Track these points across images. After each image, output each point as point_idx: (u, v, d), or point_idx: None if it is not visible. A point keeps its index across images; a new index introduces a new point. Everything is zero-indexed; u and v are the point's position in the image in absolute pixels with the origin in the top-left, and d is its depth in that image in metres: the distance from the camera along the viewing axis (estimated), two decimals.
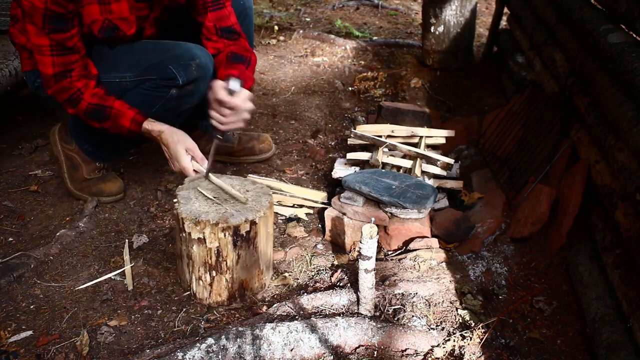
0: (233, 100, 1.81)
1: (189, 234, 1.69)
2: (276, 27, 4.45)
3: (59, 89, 1.91)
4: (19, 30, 2.02)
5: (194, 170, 1.90)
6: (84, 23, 1.87)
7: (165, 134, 1.93)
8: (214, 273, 1.74)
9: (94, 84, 1.94)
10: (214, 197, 1.77)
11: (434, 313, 1.74)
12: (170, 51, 1.98)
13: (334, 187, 2.36)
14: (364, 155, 2.36)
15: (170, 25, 2.15)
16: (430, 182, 2.23)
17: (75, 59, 1.88)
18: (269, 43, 4.17)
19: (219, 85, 1.82)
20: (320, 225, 2.22)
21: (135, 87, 1.99)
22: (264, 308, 1.78)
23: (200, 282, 1.77)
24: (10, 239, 2.08)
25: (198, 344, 1.55)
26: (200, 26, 2.07)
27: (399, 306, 1.76)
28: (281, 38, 4.27)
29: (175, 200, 1.76)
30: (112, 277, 1.90)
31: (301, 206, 2.31)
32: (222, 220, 1.66)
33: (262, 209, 1.73)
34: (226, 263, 1.72)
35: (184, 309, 1.79)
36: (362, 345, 1.64)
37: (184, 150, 1.90)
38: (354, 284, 1.80)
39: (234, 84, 1.80)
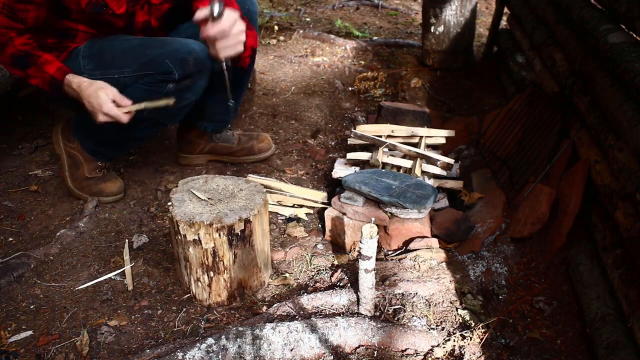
0: (217, 25, 1.80)
1: (184, 236, 1.69)
2: (276, 27, 4.45)
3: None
4: None
5: (125, 113, 1.88)
6: None
7: (84, 84, 1.89)
8: (211, 274, 1.74)
9: (29, 36, 1.91)
10: (208, 198, 1.78)
11: (434, 313, 1.74)
12: (168, 46, 1.98)
13: (334, 187, 2.36)
14: (364, 155, 2.36)
15: (172, 20, 2.16)
16: (430, 182, 2.23)
17: (18, 28, 1.86)
18: (269, 43, 4.17)
19: (201, 16, 1.81)
20: (320, 225, 2.22)
21: (133, 82, 1.99)
22: (264, 308, 1.78)
23: (199, 283, 1.77)
24: (10, 238, 2.08)
25: (198, 344, 1.55)
26: None
27: (399, 306, 1.76)
28: (281, 38, 4.27)
29: (169, 203, 1.76)
30: (112, 277, 1.90)
31: (301, 206, 2.31)
32: (216, 221, 1.66)
33: (256, 207, 1.73)
34: (223, 263, 1.73)
35: (184, 309, 1.79)
36: (362, 345, 1.64)
37: (105, 96, 1.86)
38: (354, 284, 1.80)
39: (216, 6, 1.77)
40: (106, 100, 1.87)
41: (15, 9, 1.83)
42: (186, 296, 1.83)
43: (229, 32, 1.85)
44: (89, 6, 1.90)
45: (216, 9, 1.77)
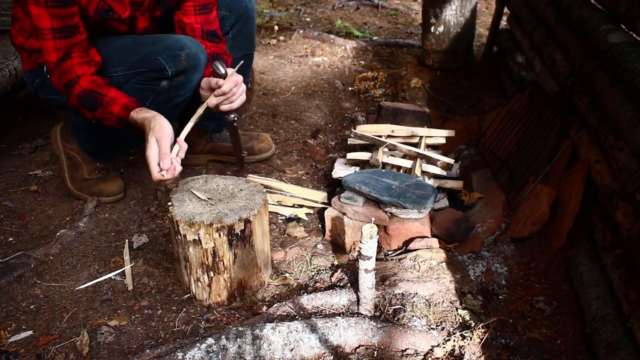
0: (231, 79, 1.87)
1: (184, 236, 1.69)
2: (276, 27, 4.45)
3: (60, 72, 1.87)
4: (17, 30, 2.02)
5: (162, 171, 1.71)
6: (80, 3, 1.87)
7: (147, 120, 1.78)
8: (211, 274, 1.74)
9: (93, 71, 1.90)
10: (208, 198, 1.78)
11: (434, 313, 1.74)
12: (160, 43, 1.98)
13: (334, 187, 2.36)
14: (364, 155, 2.36)
15: (164, 23, 2.16)
16: (430, 182, 2.23)
17: (78, 41, 1.86)
18: (269, 43, 4.17)
19: (209, 79, 1.91)
20: (320, 225, 2.22)
21: (127, 81, 1.99)
22: (264, 308, 1.78)
23: (199, 283, 1.77)
24: (10, 238, 2.08)
25: (198, 344, 1.55)
26: (184, 26, 2.10)
27: (399, 306, 1.76)
28: (281, 38, 4.27)
29: (169, 203, 1.76)
30: (112, 277, 1.90)
31: (301, 206, 2.31)
32: (216, 221, 1.66)
33: (256, 207, 1.73)
34: (223, 263, 1.73)
35: (184, 309, 1.79)
36: (362, 345, 1.64)
37: (154, 139, 1.72)
38: (354, 284, 1.80)
39: (220, 67, 1.86)
40: (150, 148, 1.73)
41: (60, 17, 1.79)
42: (186, 296, 1.83)
43: (239, 85, 1.91)
44: (96, 12, 1.90)
45: (222, 69, 1.87)
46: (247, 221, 1.70)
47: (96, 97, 1.87)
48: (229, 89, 1.89)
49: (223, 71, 1.86)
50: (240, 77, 1.92)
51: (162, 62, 1.93)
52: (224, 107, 1.93)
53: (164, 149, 1.71)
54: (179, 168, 1.73)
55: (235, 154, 2.20)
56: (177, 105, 2.09)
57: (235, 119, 2.00)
